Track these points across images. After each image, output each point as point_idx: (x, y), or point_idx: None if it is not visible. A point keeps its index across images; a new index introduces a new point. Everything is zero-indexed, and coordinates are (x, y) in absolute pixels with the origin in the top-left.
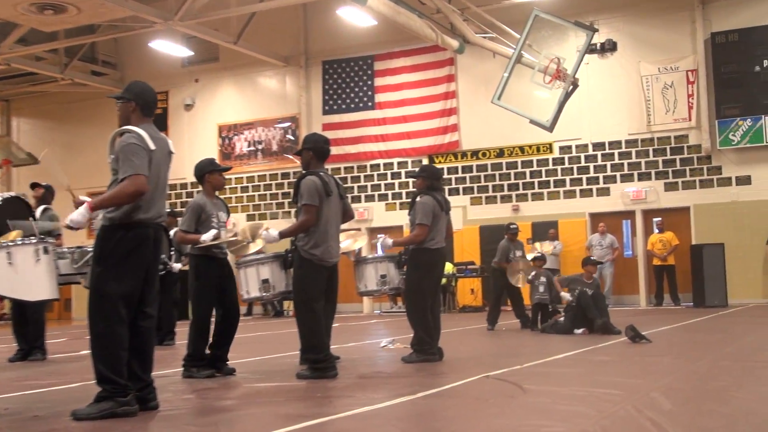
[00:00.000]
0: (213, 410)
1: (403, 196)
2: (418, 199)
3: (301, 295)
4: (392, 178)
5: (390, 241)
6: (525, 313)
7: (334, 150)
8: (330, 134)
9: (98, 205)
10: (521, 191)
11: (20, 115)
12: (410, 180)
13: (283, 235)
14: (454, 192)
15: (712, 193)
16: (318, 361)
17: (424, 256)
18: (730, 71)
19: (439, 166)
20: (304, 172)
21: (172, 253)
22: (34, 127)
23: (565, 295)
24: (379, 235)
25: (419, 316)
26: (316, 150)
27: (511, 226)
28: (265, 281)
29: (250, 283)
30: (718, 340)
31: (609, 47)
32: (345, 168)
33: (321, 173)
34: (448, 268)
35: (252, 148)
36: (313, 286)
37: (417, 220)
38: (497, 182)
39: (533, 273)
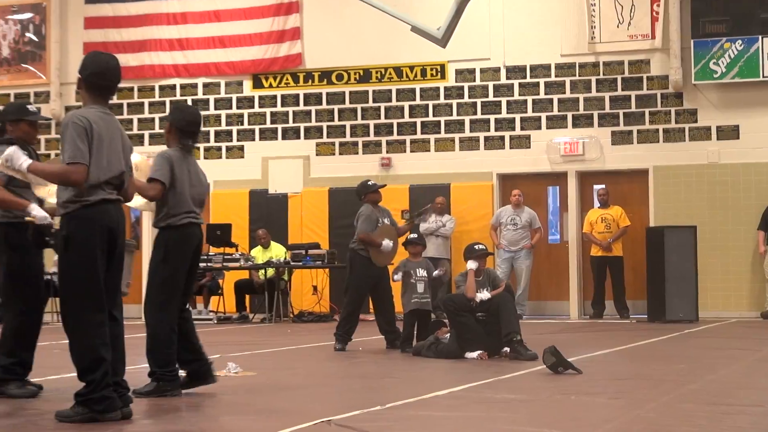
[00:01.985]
0: None
1: (212, 137)
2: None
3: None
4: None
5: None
6: (394, 324)
7: None
8: (98, 35)
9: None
10: (395, 137)
11: None
12: (223, 113)
13: None
14: (291, 134)
15: (682, 151)
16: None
17: (171, 234)
18: None
19: (268, 92)
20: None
21: None
22: None
23: (481, 295)
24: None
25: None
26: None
27: (371, 183)
28: None
29: None
30: (679, 374)
31: None
32: (119, 89)
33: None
34: (278, 252)
35: None
36: None
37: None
38: (358, 121)
39: (403, 264)
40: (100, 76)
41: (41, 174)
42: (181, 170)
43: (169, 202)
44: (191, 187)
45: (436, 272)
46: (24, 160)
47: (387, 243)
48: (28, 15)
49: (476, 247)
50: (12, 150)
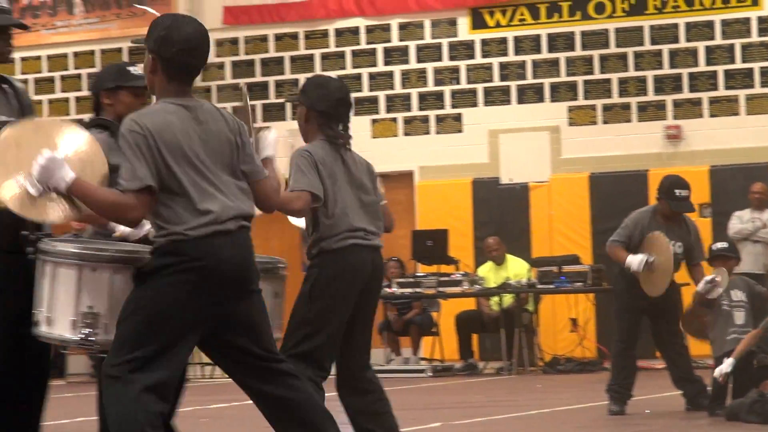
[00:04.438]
0: None
1: (414, 101)
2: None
3: None
4: (387, 62)
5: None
6: (692, 372)
7: None
8: None
9: None
10: (686, 95)
11: None
12: (429, 66)
13: None
14: (531, 95)
15: None
16: None
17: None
18: None
19: (495, 33)
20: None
21: None
22: None
23: None
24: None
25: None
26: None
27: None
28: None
29: None
30: None
31: None
32: (277, 36)
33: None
34: (518, 270)
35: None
36: None
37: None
38: (629, 73)
39: (712, 279)
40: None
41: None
42: (333, 172)
43: (320, 219)
44: (354, 192)
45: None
46: (65, 174)
47: (634, 260)
48: None
49: None
50: (50, 159)
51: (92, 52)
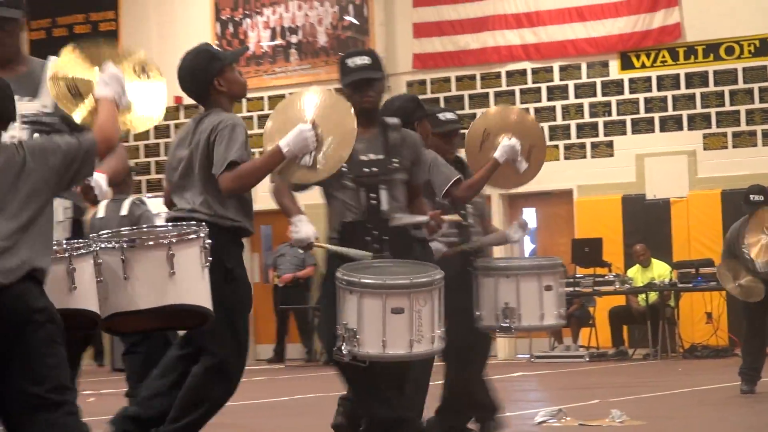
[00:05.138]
0: None
1: (573, 131)
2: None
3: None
4: (550, 98)
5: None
6: None
7: (438, 45)
8: (430, 14)
9: None
10: None
11: None
12: (586, 101)
13: None
14: (671, 124)
15: None
16: None
17: None
18: None
19: (641, 73)
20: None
21: None
22: None
23: None
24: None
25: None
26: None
27: (754, 198)
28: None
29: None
30: None
31: None
32: (457, 78)
33: None
34: (661, 272)
35: (279, 42)
36: None
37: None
38: (755, 105)
39: None
40: None
41: None
42: None
43: None
44: None
45: None
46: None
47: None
48: None
49: None
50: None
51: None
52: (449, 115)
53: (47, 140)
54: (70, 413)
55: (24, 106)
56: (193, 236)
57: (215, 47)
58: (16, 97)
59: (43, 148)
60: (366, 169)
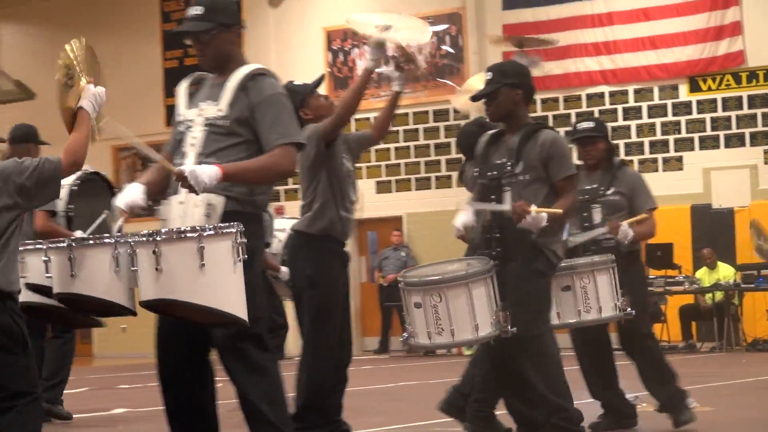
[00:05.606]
0: None
1: (646, 147)
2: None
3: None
4: (626, 118)
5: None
6: None
7: None
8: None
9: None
10: None
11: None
12: (658, 121)
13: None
14: (735, 141)
15: None
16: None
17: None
18: None
19: (707, 95)
20: (533, 123)
21: None
22: (26, 39)
23: None
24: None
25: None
26: (530, 88)
27: None
28: None
29: None
30: None
31: None
32: (542, 100)
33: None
34: (726, 273)
35: (383, 68)
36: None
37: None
38: None
39: None
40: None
41: None
42: None
43: None
44: None
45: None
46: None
47: None
48: (443, 26)
49: None
50: None
51: (406, 114)
52: (583, 125)
53: (14, 163)
54: (21, 413)
55: (208, 110)
56: (228, 230)
57: (295, 83)
58: (207, 102)
59: (6, 170)
60: (489, 173)
